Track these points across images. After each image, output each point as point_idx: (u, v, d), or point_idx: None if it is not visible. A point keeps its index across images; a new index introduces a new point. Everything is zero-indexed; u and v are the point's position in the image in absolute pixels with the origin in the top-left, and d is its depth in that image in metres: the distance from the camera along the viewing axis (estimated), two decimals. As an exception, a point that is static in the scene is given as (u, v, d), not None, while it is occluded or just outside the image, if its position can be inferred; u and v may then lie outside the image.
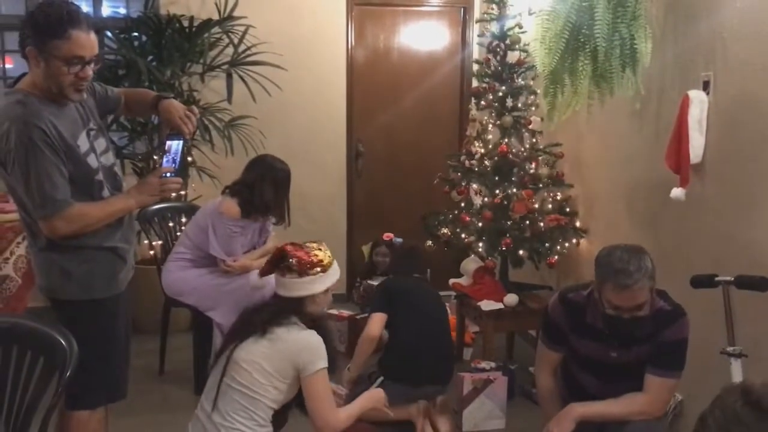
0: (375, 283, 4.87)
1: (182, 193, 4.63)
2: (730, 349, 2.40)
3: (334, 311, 4.66)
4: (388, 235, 4.87)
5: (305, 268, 2.38)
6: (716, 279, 2.51)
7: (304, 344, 2.33)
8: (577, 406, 2.51)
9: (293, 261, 2.38)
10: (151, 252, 4.28)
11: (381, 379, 3.13)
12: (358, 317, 4.50)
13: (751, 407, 1.35)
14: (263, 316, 2.38)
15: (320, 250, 2.45)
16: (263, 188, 3.65)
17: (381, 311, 3.45)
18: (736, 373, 2.36)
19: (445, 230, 4.23)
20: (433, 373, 3.42)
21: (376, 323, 3.43)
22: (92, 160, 2.35)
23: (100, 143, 2.43)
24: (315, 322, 2.42)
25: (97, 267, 2.39)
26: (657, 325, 2.44)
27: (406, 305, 3.46)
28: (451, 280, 4.27)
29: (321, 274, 2.41)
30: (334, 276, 2.46)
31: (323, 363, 2.34)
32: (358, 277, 5.15)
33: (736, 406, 1.36)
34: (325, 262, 2.43)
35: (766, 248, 2.72)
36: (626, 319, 2.38)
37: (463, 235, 4.06)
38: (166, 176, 2.43)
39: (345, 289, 5.49)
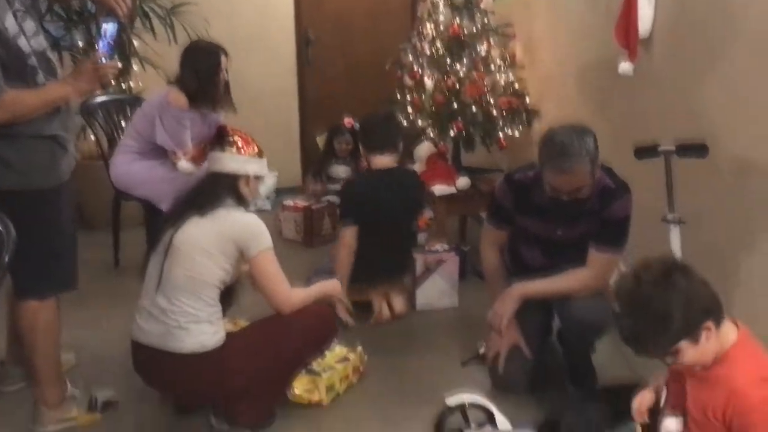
0: (341, 174, 4.85)
1: (125, 85, 4.48)
2: (669, 216, 2.47)
3: (289, 202, 4.67)
4: (349, 122, 4.71)
5: (244, 145, 2.44)
6: (659, 149, 2.54)
7: (245, 225, 2.36)
8: (520, 286, 2.57)
9: (235, 137, 2.43)
10: (98, 147, 4.17)
11: None
12: (313, 207, 4.51)
13: (632, 281, 1.64)
14: (199, 196, 2.38)
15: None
16: (186, 77, 3.53)
17: (353, 224, 3.29)
18: (675, 239, 2.44)
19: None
20: (395, 271, 3.46)
21: (351, 236, 3.28)
22: (23, 44, 2.22)
23: (29, 26, 2.30)
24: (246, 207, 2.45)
25: (37, 156, 2.31)
26: (601, 202, 2.48)
27: (373, 213, 3.31)
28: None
29: (257, 157, 2.47)
30: (265, 167, 2.51)
31: (267, 242, 2.36)
32: (312, 167, 5.11)
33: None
34: (260, 151, 2.49)
35: (709, 119, 2.76)
36: (569, 200, 2.42)
37: (414, 120, 4.04)
38: (102, 62, 2.33)
39: (301, 181, 5.48)
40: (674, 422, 1.79)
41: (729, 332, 1.68)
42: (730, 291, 2.71)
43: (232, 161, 2.42)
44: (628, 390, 2.01)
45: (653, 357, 1.74)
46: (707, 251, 2.76)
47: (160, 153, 3.66)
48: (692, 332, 1.61)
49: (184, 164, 2.53)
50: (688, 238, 2.53)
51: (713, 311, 1.64)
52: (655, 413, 1.91)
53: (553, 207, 2.50)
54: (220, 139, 2.46)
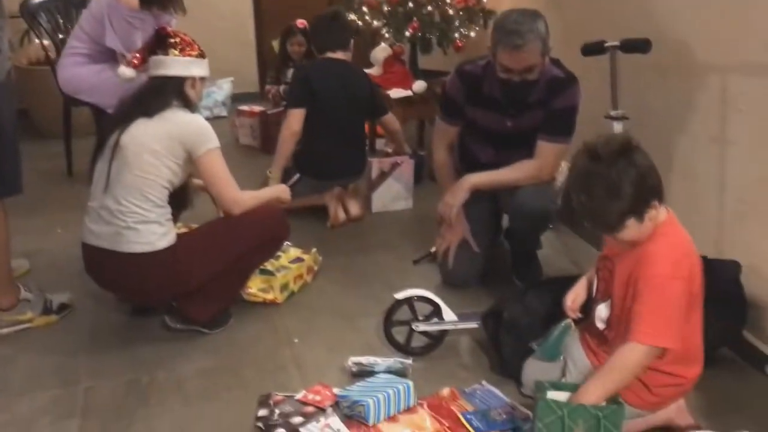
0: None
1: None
2: (613, 113, 2.50)
3: (245, 107, 4.61)
4: (301, 22, 4.59)
5: (186, 47, 2.39)
6: (604, 45, 2.55)
7: (192, 125, 2.34)
8: (471, 177, 2.62)
9: (177, 39, 2.38)
10: (44, 52, 4.03)
11: (297, 176, 3.17)
12: (269, 113, 4.46)
13: (588, 156, 1.68)
14: (145, 99, 2.35)
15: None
16: None
17: (300, 106, 3.32)
18: (618, 135, 2.48)
19: (353, 17, 4.10)
20: (346, 168, 3.50)
21: (296, 119, 3.32)
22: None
23: None
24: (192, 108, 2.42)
25: (-31, 56, 2.25)
26: (550, 92, 2.52)
27: (322, 100, 3.33)
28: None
29: (200, 58, 2.43)
30: (207, 67, 2.47)
31: (214, 142, 2.35)
32: (268, 73, 5.01)
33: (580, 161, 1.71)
34: (201, 52, 2.45)
35: (658, 19, 2.75)
36: (519, 84, 2.44)
37: (370, 20, 3.96)
38: None
39: (258, 87, 5.40)
40: (604, 308, 1.87)
41: (661, 215, 1.75)
42: (672, 183, 2.78)
43: (176, 64, 2.37)
44: (571, 283, 2.07)
45: (597, 231, 1.80)
46: (650, 147, 2.81)
47: (110, 56, 3.55)
48: (640, 210, 1.68)
49: (124, 69, 2.47)
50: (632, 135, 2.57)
51: (659, 192, 1.71)
52: (587, 305, 1.99)
53: (504, 97, 2.54)
54: (160, 42, 2.40)
